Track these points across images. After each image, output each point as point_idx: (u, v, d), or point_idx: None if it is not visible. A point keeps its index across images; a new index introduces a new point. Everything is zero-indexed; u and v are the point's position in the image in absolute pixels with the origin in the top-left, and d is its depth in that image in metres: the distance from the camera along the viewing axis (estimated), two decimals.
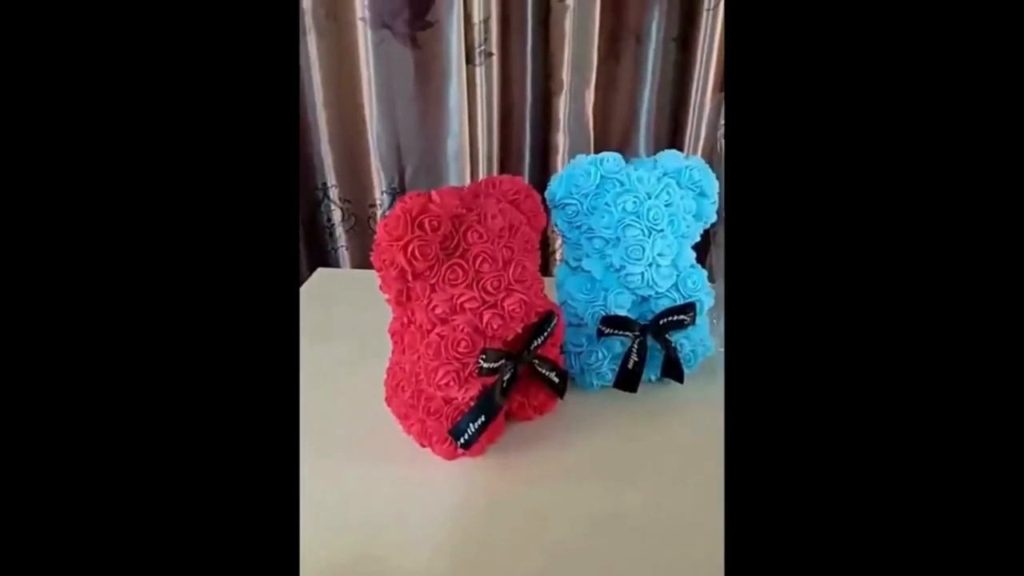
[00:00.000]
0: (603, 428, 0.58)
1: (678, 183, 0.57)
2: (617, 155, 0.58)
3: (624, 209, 0.56)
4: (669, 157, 0.59)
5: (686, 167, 0.58)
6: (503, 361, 0.50)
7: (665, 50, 0.91)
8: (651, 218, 0.55)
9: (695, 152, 0.93)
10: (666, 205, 0.56)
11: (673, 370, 0.60)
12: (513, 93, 0.93)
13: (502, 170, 0.98)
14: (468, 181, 0.95)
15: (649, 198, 0.56)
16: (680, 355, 0.60)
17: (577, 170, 0.57)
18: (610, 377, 0.60)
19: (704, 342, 0.62)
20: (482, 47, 0.86)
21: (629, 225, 0.56)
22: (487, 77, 0.88)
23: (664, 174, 0.58)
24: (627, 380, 0.60)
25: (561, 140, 0.92)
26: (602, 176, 0.57)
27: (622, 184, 0.56)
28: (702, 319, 0.61)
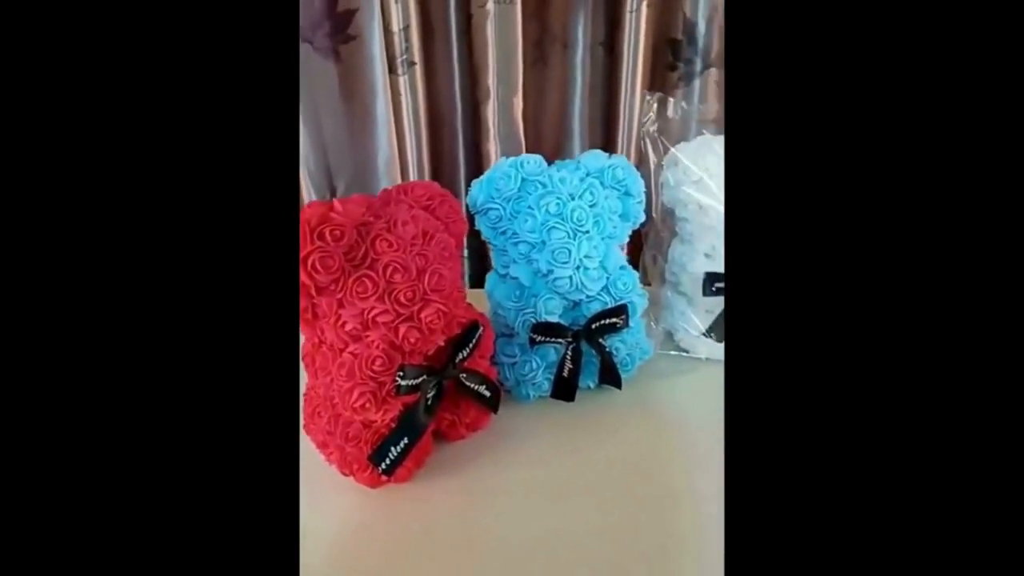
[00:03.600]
0: (541, 442, 0.55)
1: (601, 183, 0.56)
2: (538, 157, 0.56)
3: (548, 211, 0.54)
4: (592, 157, 0.57)
5: (609, 166, 0.56)
6: (424, 377, 0.47)
7: (593, 55, 0.90)
8: (575, 219, 0.54)
9: (630, 155, 0.92)
10: (590, 206, 0.54)
11: (610, 376, 0.58)
12: (441, 102, 0.91)
13: (435, 181, 0.95)
14: None
15: (573, 199, 0.54)
16: (616, 360, 0.58)
17: (497, 173, 0.55)
18: (546, 387, 0.58)
19: (641, 345, 0.61)
20: (404, 56, 0.83)
21: (553, 228, 0.54)
22: (411, 87, 0.86)
23: (587, 174, 0.56)
24: (563, 389, 0.57)
25: (493, 148, 0.90)
26: (523, 179, 0.55)
27: (544, 186, 0.54)
28: (636, 322, 0.60)
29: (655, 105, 0.61)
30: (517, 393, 0.59)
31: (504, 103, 0.88)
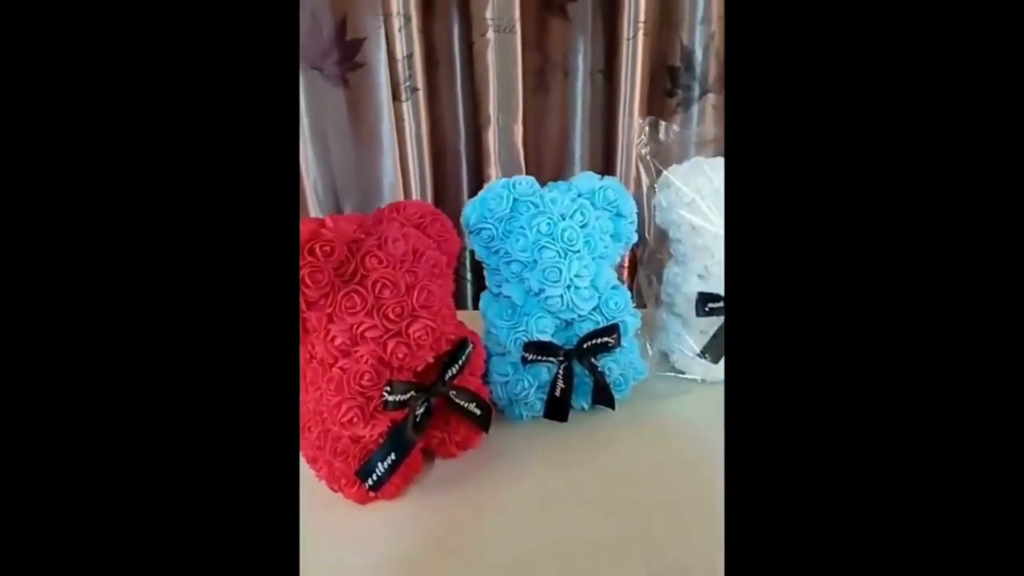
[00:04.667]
0: (533, 461, 0.55)
1: (593, 204, 0.57)
2: (530, 178, 0.57)
3: (539, 231, 0.54)
4: (583, 178, 0.58)
5: (600, 187, 0.57)
6: (412, 393, 0.47)
7: (592, 82, 0.92)
8: (566, 239, 0.54)
9: (628, 180, 0.93)
10: (581, 226, 0.55)
11: (603, 396, 0.58)
12: (444, 128, 0.93)
13: (438, 205, 0.97)
14: None
15: (564, 219, 0.55)
16: (609, 380, 0.58)
17: (490, 194, 0.56)
18: (539, 407, 0.58)
19: (634, 365, 0.61)
20: (407, 83, 0.86)
21: (544, 247, 0.54)
22: (415, 113, 0.88)
23: (579, 195, 0.57)
24: (555, 409, 0.57)
25: (494, 173, 0.92)
26: (515, 199, 0.56)
27: (536, 206, 0.55)
28: (629, 342, 0.60)
29: (647, 128, 0.62)
30: (510, 413, 0.59)
31: (505, 129, 0.90)
